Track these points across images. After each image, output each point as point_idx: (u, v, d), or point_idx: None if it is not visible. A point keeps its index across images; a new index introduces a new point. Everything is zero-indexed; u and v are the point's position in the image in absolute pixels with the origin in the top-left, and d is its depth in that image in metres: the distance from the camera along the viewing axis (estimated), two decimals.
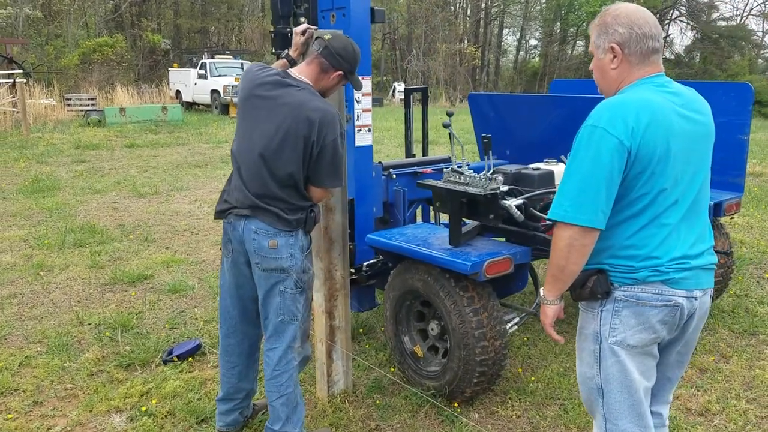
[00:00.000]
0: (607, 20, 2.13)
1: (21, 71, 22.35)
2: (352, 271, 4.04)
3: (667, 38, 46.29)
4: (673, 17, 44.24)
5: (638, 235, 2.05)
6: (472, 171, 3.61)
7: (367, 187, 4.12)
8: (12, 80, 19.09)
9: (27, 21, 31.78)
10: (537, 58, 52.08)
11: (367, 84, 3.93)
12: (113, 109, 20.41)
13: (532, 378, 3.90)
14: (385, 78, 44.22)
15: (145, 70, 34.16)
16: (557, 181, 3.92)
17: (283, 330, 2.97)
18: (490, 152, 3.58)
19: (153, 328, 4.72)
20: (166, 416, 3.52)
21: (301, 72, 2.94)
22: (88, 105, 22.54)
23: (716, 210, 4.38)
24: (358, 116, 3.97)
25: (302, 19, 3.87)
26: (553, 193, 3.64)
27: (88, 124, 19.43)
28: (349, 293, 3.63)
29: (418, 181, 3.85)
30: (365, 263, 4.13)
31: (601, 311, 2.12)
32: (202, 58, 27.32)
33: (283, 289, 2.90)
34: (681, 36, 74.71)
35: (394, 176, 4.50)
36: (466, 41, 48.37)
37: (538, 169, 3.98)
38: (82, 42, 31.28)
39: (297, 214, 2.88)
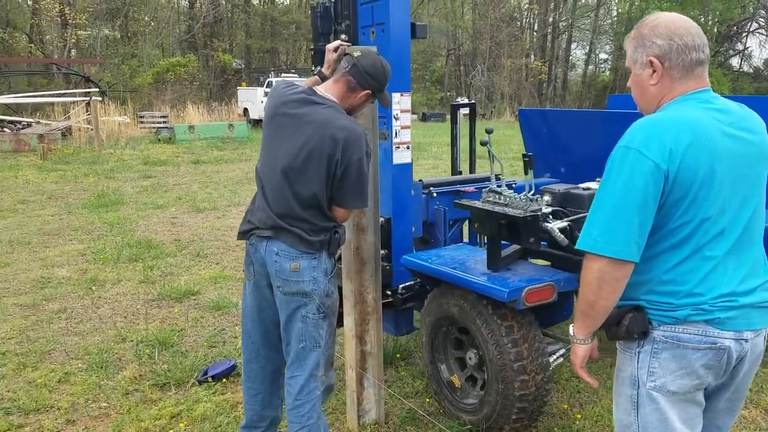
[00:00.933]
0: (644, 32, 1.95)
1: (97, 89, 23.31)
2: (388, 293, 3.89)
3: (746, 51, 44.32)
4: (751, 29, 42.32)
5: (679, 269, 1.85)
6: (512, 191, 3.41)
7: (406, 206, 3.96)
8: (88, 98, 19.92)
9: (105, 41, 33.28)
10: (607, 72, 50.86)
11: (406, 101, 3.87)
12: (182, 126, 21.01)
13: (578, 415, 3.62)
14: (449, 93, 44.06)
15: (216, 89, 35.15)
16: None
17: (305, 357, 2.82)
18: (531, 171, 3.38)
19: (192, 347, 4.68)
20: None
21: (327, 89, 2.84)
22: (160, 122, 23.29)
23: None
24: (396, 133, 3.85)
25: (342, 36, 3.78)
26: None
27: (159, 140, 20.04)
28: (381, 317, 3.47)
29: (455, 201, 3.67)
30: (401, 285, 3.93)
31: (639, 352, 1.91)
32: (269, 77, 27.89)
33: (306, 314, 2.77)
34: (760, 49, 71.44)
35: (435, 195, 4.32)
36: (532, 56, 47.74)
37: (588, 188, 3.75)
38: (156, 62, 32.48)
39: (320, 236, 2.75)
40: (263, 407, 3.09)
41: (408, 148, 3.92)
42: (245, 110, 28.06)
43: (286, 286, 2.76)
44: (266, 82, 26.83)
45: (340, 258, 3.35)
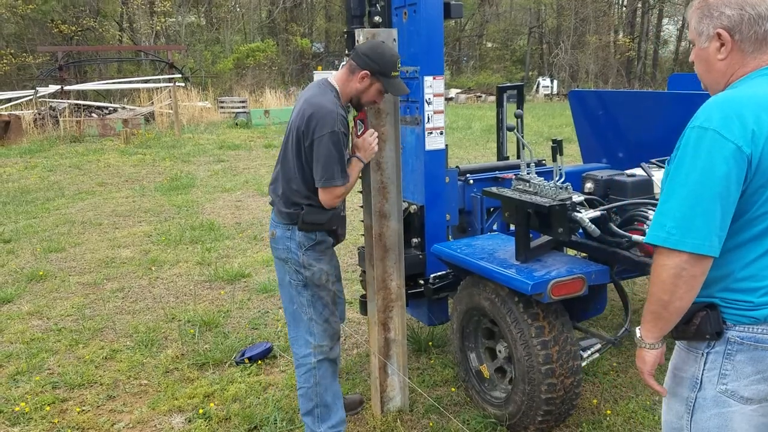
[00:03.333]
0: (711, 1, 1.76)
1: (180, 75, 24.14)
2: (421, 282, 3.83)
3: None
4: None
5: (759, 264, 1.67)
6: (542, 179, 3.26)
7: (439, 193, 3.84)
8: (171, 84, 20.67)
9: (190, 28, 34.38)
10: None
11: (439, 84, 3.75)
12: (258, 111, 21.50)
13: (608, 411, 3.45)
14: (531, 73, 43.00)
15: (294, 73, 35.72)
16: (657, 189, 3.48)
17: (299, 319, 3.06)
18: (561, 158, 3.20)
19: (235, 328, 4.78)
20: (221, 420, 3.52)
21: (335, 76, 3.00)
22: (239, 107, 23.89)
23: None
24: (428, 118, 3.71)
25: (377, 18, 3.70)
26: (645, 204, 3.22)
27: (236, 125, 20.59)
28: (404, 304, 3.42)
29: (484, 189, 3.51)
30: (432, 275, 3.84)
31: (708, 353, 1.74)
32: (343, 61, 28.03)
33: (290, 280, 3.02)
34: None
35: (471, 182, 4.18)
36: (620, 32, 45.84)
37: (633, 175, 3.54)
38: (237, 47, 33.28)
39: (290, 209, 2.93)
40: None
41: (441, 133, 3.78)
42: None
43: (272, 250, 3.11)
44: (340, 66, 26.97)
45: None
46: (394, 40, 3.14)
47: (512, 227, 4.36)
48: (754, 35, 1.71)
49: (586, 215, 3.04)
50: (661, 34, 48.16)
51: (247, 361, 4.19)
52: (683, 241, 1.62)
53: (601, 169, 4.22)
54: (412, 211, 3.82)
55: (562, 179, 3.16)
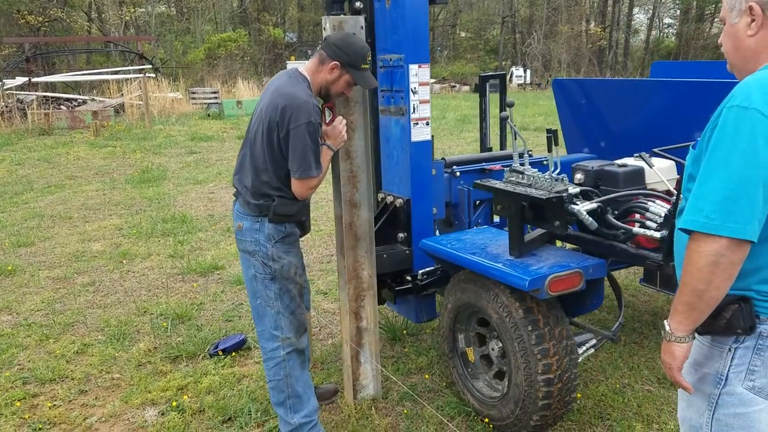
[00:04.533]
0: None
1: (150, 66, 23.81)
2: (408, 279, 3.74)
3: None
4: None
5: None
6: (536, 170, 3.14)
7: (426, 186, 3.72)
8: (141, 75, 20.37)
9: (160, 18, 33.89)
10: (672, 37, 48.81)
11: (425, 72, 3.60)
12: (231, 101, 21.27)
13: (578, 395, 3.51)
14: (504, 63, 43.17)
15: (267, 64, 35.41)
16: (648, 180, 3.44)
17: (263, 314, 3.03)
18: (556, 148, 3.11)
19: (209, 320, 4.76)
20: (195, 413, 3.51)
21: (305, 66, 2.98)
22: (211, 98, 23.64)
23: None
24: (414, 108, 3.59)
25: (357, 3, 3.65)
26: (642, 194, 3.20)
27: (208, 116, 20.37)
28: (376, 293, 3.43)
29: (475, 182, 3.38)
30: (421, 271, 3.73)
31: (736, 348, 1.68)
32: (316, 51, 27.87)
33: (255, 273, 2.98)
34: None
35: (458, 174, 4.06)
36: (592, 21, 46.21)
37: (624, 165, 3.46)
38: (208, 37, 32.90)
39: (260, 200, 2.89)
40: None
41: (427, 124, 3.66)
42: None
43: (237, 242, 3.05)
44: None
45: None
46: (362, 27, 3.13)
47: (496, 219, 4.36)
48: None
49: (583, 207, 2.96)
50: (632, 23, 48.62)
51: (220, 353, 4.17)
52: (724, 225, 1.54)
53: (588, 159, 4.15)
54: (397, 205, 3.73)
55: (557, 170, 3.06)
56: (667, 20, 49.99)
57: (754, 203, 1.53)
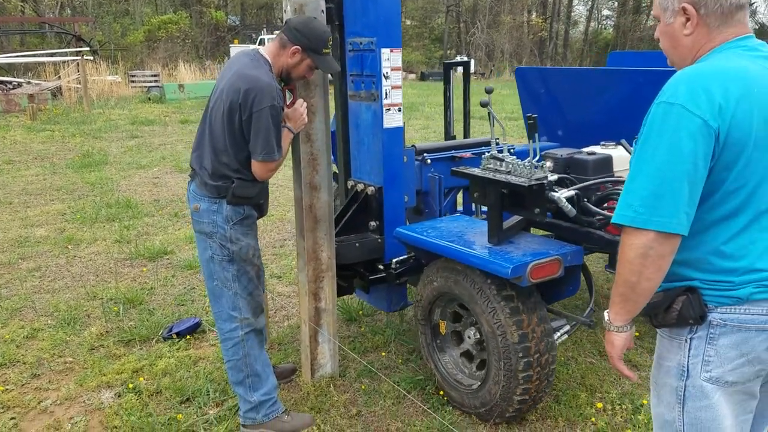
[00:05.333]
0: None
1: (88, 48, 23.05)
2: (381, 267, 3.70)
3: (751, 6, 43.59)
4: None
5: (735, 242, 1.64)
6: (515, 157, 3.10)
7: (398, 174, 3.66)
8: (79, 58, 19.71)
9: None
10: (609, 29, 50.14)
11: (396, 57, 3.54)
12: (172, 85, 20.86)
13: None
14: (449, 52, 43.55)
15: (209, 47, 34.74)
16: (616, 167, 3.51)
17: (220, 295, 3.03)
18: (537, 135, 3.08)
19: (160, 305, 4.74)
20: (152, 394, 3.51)
21: (265, 49, 2.98)
22: (151, 82, 23.09)
23: None
24: (386, 94, 3.51)
25: None
26: (612, 182, 3.25)
27: (149, 100, 19.92)
28: (335, 275, 3.50)
29: (453, 169, 3.38)
30: (395, 260, 3.67)
31: (691, 339, 1.70)
32: (261, 34, 27.55)
33: (212, 254, 2.97)
34: (765, 4, 70.40)
35: (429, 161, 4.04)
36: (533, 12, 47.03)
37: (593, 153, 3.51)
38: (148, 19, 32.03)
39: (218, 182, 2.88)
40: None
41: (399, 110, 3.60)
42: None
43: (193, 224, 3.03)
44: (259, 39, 26.52)
45: None
46: (322, 11, 3.17)
47: (459, 207, 4.39)
48: (720, 9, 1.67)
49: (562, 194, 2.98)
50: (572, 14, 49.74)
51: (175, 336, 4.17)
52: (651, 220, 1.58)
53: (550, 148, 4.09)
54: (369, 193, 3.66)
55: (537, 157, 3.03)
56: (605, 12, 51.33)
57: (680, 197, 1.56)
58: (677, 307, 1.68)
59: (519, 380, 2.92)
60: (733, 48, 1.68)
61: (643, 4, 45.54)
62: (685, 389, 1.73)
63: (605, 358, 3.82)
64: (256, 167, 2.86)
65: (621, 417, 3.22)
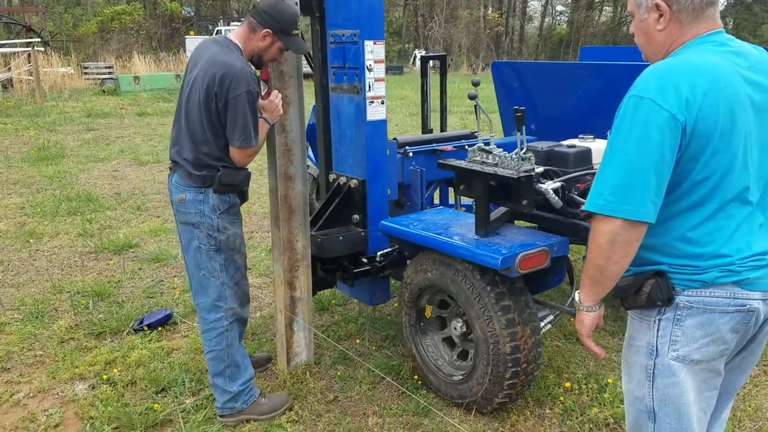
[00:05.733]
0: None
1: (39, 39, 22.42)
2: (365, 261, 3.70)
3: None
4: None
5: (702, 229, 1.73)
6: (501, 150, 3.13)
7: (381, 167, 3.66)
8: (30, 49, 19.16)
9: None
10: (564, 25, 51.01)
11: (380, 50, 3.53)
12: (127, 77, 20.49)
13: None
14: (407, 45, 43.71)
15: (164, 38, 34.12)
16: (596, 160, 3.56)
17: (206, 285, 3.04)
18: (524, 128, 3.07)
19: (129, 297, 4.71)
20: (127, 385, 3.51)
21: (234, 33, 2.98)
22: (105, 73, 22.59)
23: None
24: (369, 86, 3.50)
25: None
26: (593, 174, 3.36)
27: (103, 92, 19.51)
28: (310, 264, 3.55)
29: (439, 161, 3.38)
30: (379, 253, 3.70)
31: (659, 320, 1.80)
32: (218, 26, 27.22)
33: (198, 245, 2.98)
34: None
35: (411, 154, 4.05)
36: (490, 7, 47.51)
37: (573, 146, 3.56)
38: (100, 10, 31.29)
39: (203, 171, 2.89)
40: None
41: (382, 103, 3.59)
42: None
43: (178, 215, 3.02)
44: (215, 31, 26.21)
45: None
46: (296, 2, 3.19)
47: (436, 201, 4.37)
48: (691, 5, 1.74)
49: (549, 186, 3.01)
50: (527, 10, 50.46)
51: (146, 328, 4.16)
52: (619, 208, 1.67)
53: (530, 141, 4.21)
54: (352, 186, 3.66)
55: (524, 149, 3.05)
56: (559, 8, 52.24)
57: (647, 188, 1.65)
58: (646, 290, 1.77)
59: (504, 386, 3.00)
60: (704, 43, 1.76)
61: (596, 1, 46.48)
62: (654, 367, 1.82)
63: (570, 341, 3.97)
64: (235, 153, 2.88)
65: (587, 396, 3.37)
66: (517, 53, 45.60)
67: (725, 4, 44.54)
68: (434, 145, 4.24)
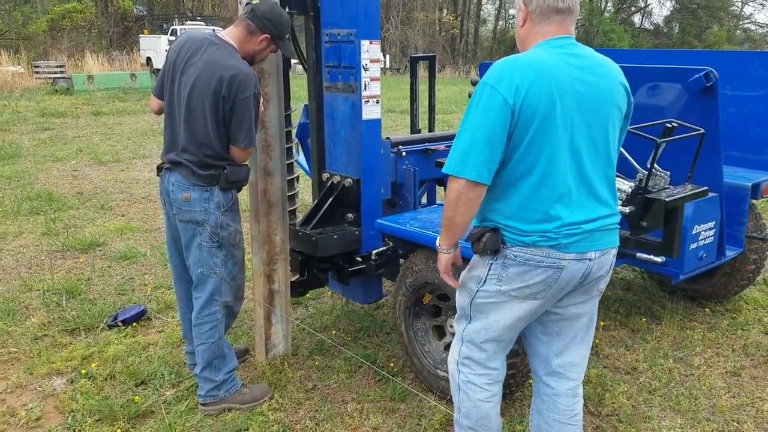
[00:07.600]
0: None
1: None
2: (359, 259, 3.74)
3: (647, 8, 46.27)
4: None
5: (529, 199, 2.10)
6: None
7: (375, 166, 3.68)
8: None
9: None
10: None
11: (375, 49, 3.54)
12: (81, 76, 20.11)
13: None
14: None
15: (116, 37, 33.49)
16: None
17: (204, 281, 3.11)
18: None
19: (101, 294, 4.72)
20: (106, 379, 3.55)
21: (228, 34, 3.01)
22: (57, 72, 22.08)
23: (753, 192, 3.90)
24: (365, 86, 3.52)
25: None
26: None
27: (56, 91, 19.10)
28: (288, 257, 3.65)
29: (438, 160, 3.45)
30: (374, 251, 3.72)
31: (492, 263, 2.21)
32: (173, 25, 26.88)
33: (201, 242, 3.03)
34: (660, 6, 75.06)
35: (404, 154, 4.12)
36: (445, 10, 47.98)
37: None
38: (51, 8, 30.53)
39: (209, 171, 2.94)
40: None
41: (377, 102, 3.61)
42: (148, 59, 27.01)
43: (180, 214, 3.02)
44: (170, 30, 25.88)
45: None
46: None
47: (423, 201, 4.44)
48: (539, 8, 2.12)
49: None
50: (482, 13, 51.12)
51: (120, 324, 4.18)
52: (463, 170, 2.04)
53: None
54: (346, 185, 3.67)
55: None
56: (512, 11, 52.98)
57: (483, 155, 2.01)
58: (484, 240, 2.17)
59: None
60: (546, 45, 2.12)
61: None
62: (476, 291, 2.28)
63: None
64: (237, 153, 2.96)
65: None
66: (471, 56, 46.15)
67: (671, 9, 46.02)
68: (427, 144, 4.31)
